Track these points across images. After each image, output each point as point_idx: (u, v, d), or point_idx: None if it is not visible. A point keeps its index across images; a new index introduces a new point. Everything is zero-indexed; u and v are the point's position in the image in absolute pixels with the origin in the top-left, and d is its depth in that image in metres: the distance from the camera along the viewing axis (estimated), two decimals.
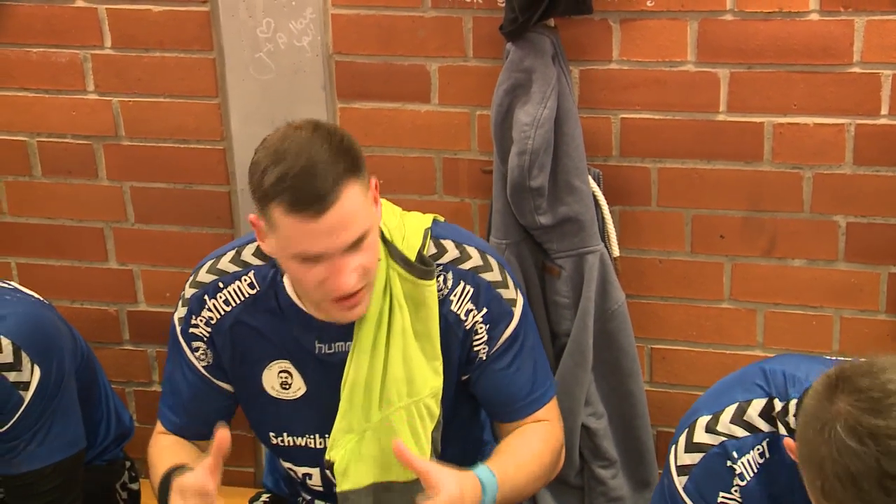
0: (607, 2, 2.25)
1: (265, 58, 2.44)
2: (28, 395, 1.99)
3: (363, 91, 2.43)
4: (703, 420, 1.63)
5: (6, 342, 1.97)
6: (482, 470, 1.75)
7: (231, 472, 2.72)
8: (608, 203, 2.34)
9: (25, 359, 1.99)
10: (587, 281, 2.31)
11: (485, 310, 1.84)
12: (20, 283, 2.27)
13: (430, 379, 1.83)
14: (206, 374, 1.92)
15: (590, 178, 2.31)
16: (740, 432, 1.60)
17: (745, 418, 1.60)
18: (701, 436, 1.62)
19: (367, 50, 2.40)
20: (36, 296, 2.18)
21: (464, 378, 1.92)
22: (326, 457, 1.85)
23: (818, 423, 1.33)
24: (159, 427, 2.00)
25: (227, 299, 1.87)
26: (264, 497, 2.12)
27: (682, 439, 1.64)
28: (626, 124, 2.34)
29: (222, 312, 1.87)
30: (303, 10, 2.39)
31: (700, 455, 1.61)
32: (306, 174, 1.60)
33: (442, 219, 1.94)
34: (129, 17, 2.48)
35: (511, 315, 1.86)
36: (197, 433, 1.97)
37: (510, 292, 1.87)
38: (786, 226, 2.33)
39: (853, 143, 2.24)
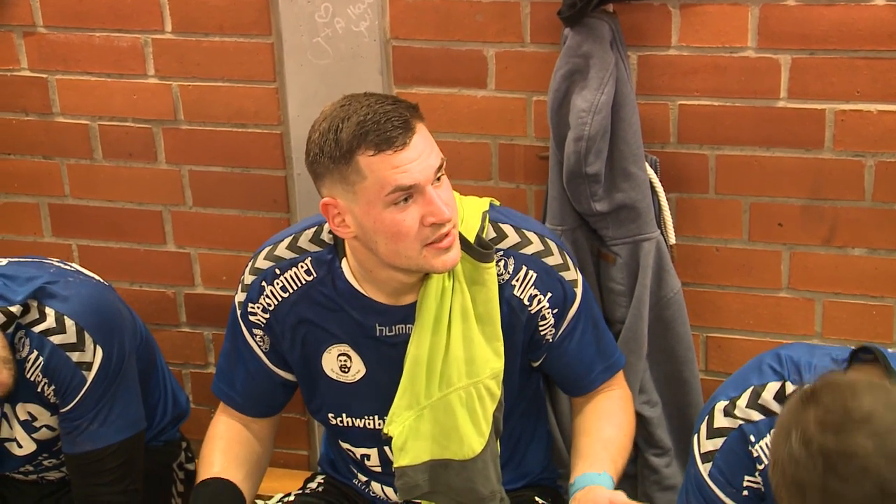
0: None
1: (323, 42, 2.45)
2: (91, 376, 2.03)
3: (420, 76, 2.43)
4: (722, 405, 1.66)
5: (70, 323, 2.01)
6: (606, 480, 1.82)
7: (285, 454, 2.78)
8: (665, 190, 2.32)
9: (88, 339, 2.02)
10: (643, 268, 2.30)
11: (549, 294, 1.87)
12: (81, 265, 2.30)
13: (490, 360, 1.85)
14: (264, 358, 1.95)
15: (647, 164, 2.29)
16: (756, 416, 1.62)
17: (759, 402, 1.62)
18: (720, 420, 1.64)
19: (425, 35, 2.40)
20: (97, 278, 2.21)
21: (532, 361, 1.94)
22: (384, 430, 1.88)
23: (783, 425, 1.37)
24: (221, 405, 2.04)
25: (284, 286, 1.89)
26: (319, 479, 2.14)
27: (704, 426, 1.67)
28: (684, 111, 2.32)
29: (279, 299, 1.90)
30: None
31: (721, 440, 1.64)
32: (381, 116, 1.69)
33: (498, 203, 1.95)
34: (189, 1, 2.50)
35: (574, 296, 1.91)
36: (256, 412, 2.01)
37: (571, 273, 1.90)
38: (846, 214, 2.30)
39: None
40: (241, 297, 1.94)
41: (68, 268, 2.18)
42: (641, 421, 2.37)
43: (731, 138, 2.31)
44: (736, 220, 2.36)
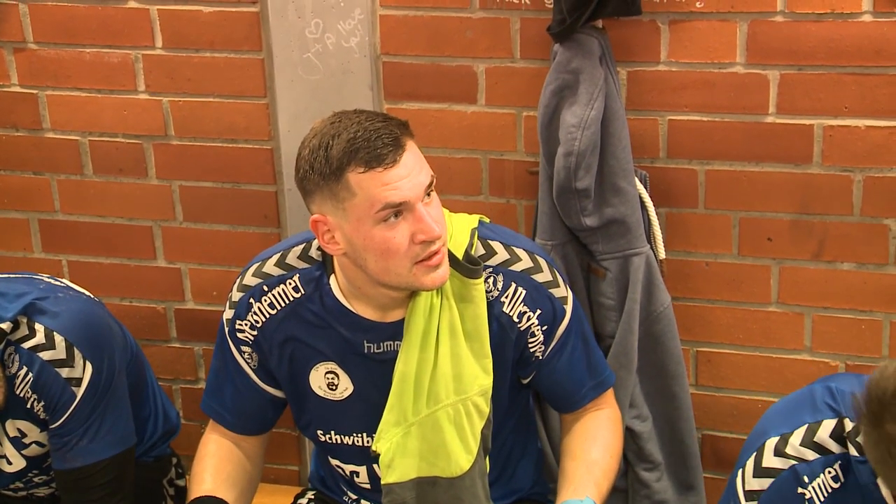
0: (656, 3, 2.24)
1: (313, 58, 2.45)
2: (80, 391, 2.02)
3: (410, 91, 2.43)
4: (772, 442, 1.59)
5: (59, 339, 2.00)
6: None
7: (276, 469, 2.77)
8: (654, 205, 2.33)
9: (78, 355, 2.02)
10: (632, 283, 2.30)
11: (539, 311, 1.86)
12: (71, 281, 2.30)
13: (479, 377, 1.84)
14: (252, 375, 1.95)
15: (636, 179, 2.30)
16: (811, 455, 1.56)
17: (815, 440, 1.56)
18: (770, 460, 1.58)
19: (415, 51, 2.41)
20: (87, 293, 2.21)
21: (522, 378, 1.94)
22: (372, 447, 1.88)
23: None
24: (211, 423, 2.03)
25: (272, 302, 1.89)
26: (310, 494, 2.13)
27: (751, 463, 1.60)
28: (673, 126, 2.33)
29: (267, 315, 1.89)
30: (351, 10, 2.40)
31: (770, 480, 1.57)
32: (372, 133, 1.70)
33: (487, 220, 1.95)
34: (179, 17, 2.51)
35: (564, 313, 1.91)
36: (245, 429, 2.00)
37: (561, 290, 1.90)
38: (835, 229, 2.30)
39: None
40: (228, 314, 1.94)
41: (58, 283, 2.18)
42: (632, 435, 2.37)
43: (721, 153, 2.32)
44: (725, 235, 2.37)
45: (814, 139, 2.26)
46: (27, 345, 2.00)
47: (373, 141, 1.68)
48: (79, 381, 2.02)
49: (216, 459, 1.98)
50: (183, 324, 2.75)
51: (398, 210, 1.71)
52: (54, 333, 2.01)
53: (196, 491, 1.95)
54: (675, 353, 2.36)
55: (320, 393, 1.91)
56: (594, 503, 1.83)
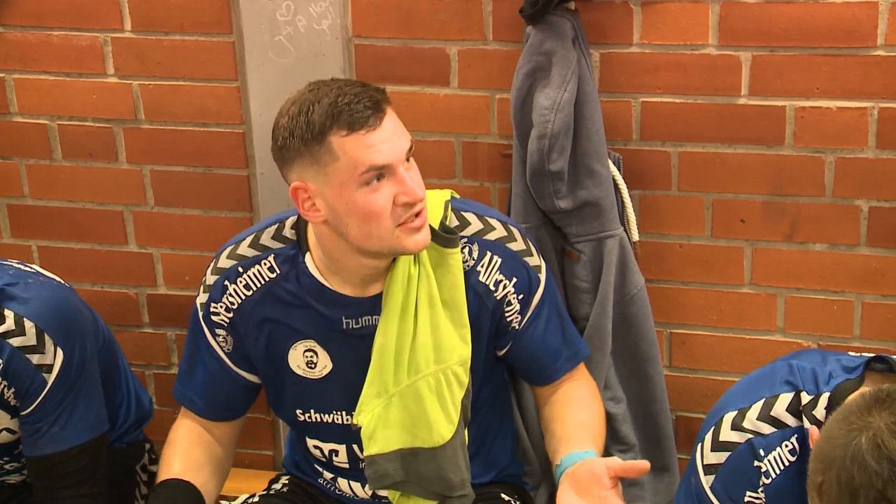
0: None
1: (285, 41, 2.43)
2: (51, 378, 2.00)
3: (382, 74, 2.42)
4: (730, 417, 1.61)
5: (29, 325, 1.99)
6: (594, 457, 1.80)
7: (250, 454, 2.77)
8: (628, 187, 2.33)
9: (49, 341, 2.00)
10: (606, 265, 2.31)
11: (515, 279, 1.88)
12: (41, 266, 2.28)
13: (457, 347, 1.85)
14: (226, 360, 1.94)
15: (610, 162, 2.30)
16: (767, 429, 1.58)
17: (772, 414, 1.58)
18: (727, 434, 1.60)
19: (387, 33, 2.40)
20: (57, 279, 2.19)
21: (497, 350, 1.94)
22: (353, 421, 1.88)
23: (848, 425, 1.32)
24: (183, 410, 2.02)
25: (247, 283, 1.88)
26: (284, 479, 2.13)
27: (709, 437, 1.62)
28: (646, 108, 2.33)
29: (243, 297, 1.89)
30: None
31: (727, 454, 1.59)
32: (352, 97, 1.70)
33: (458, 195, 1.96)
34: (148, 0, 2.48)
35: (539, 281, 1.92)
36: (217, 416, 2.00)
37: (535, 259, 1.92)
38: (807, 210, 2.32)
39: (876, 127, 2.23)
40: (202, 298, 1.93)
41: (28, 269, 2.15)
42: (607, 417, 2.38)
43: (694, 135, 2.32)
44: (698, 217, 2.38)
45: (786, 120, 2.27)
46: None
47: (355, 104, 1.69)
48: (50, 368, 2.00)
49: (185, 444, 1.98)
50: (155, 309, 2.74)
51: (381, 173, 1.72)
52: (24, 319, 1.99)
53: (164, 474, 1.94)
54: (648, 335, 2.37)
55: (299, 372, 1.91)
56: (598, 456, 1.83)
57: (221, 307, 1.90)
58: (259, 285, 1.88)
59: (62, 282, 2.20)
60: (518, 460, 2.18)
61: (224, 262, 1.91)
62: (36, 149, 2.65)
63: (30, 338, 1.98)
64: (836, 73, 2.21)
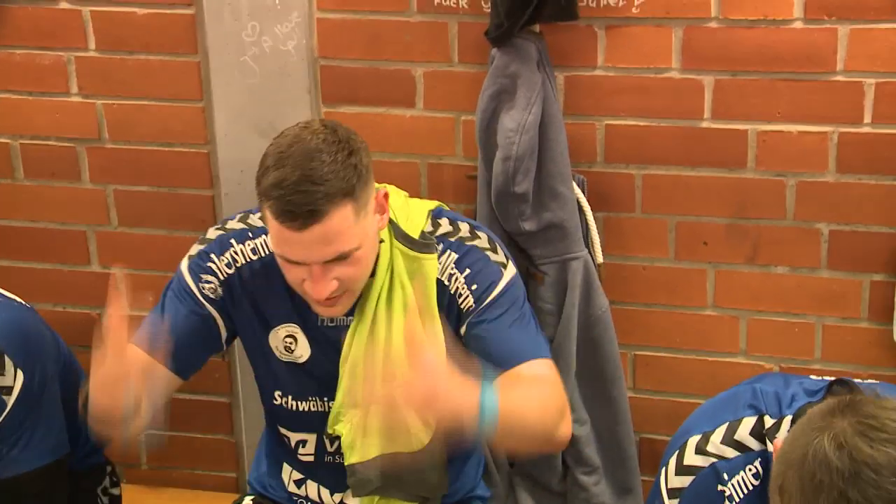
0: (592, 8, 2.25)
1: (250, 61, 2.43)
2: (11, 400, 1.98)
3: (348, 95, 2.42)
4: (694, 441, 1.60)
5: None
6: (487, 390, 1.61)
7: (213, 476, 2.75)
8: (592, 209, 2.34)
9: (9, 363, 1.98)
10: (571, 287, 2.32)
11: (468, 270, 1.85)
12: (2, 287, 2.25)
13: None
14: (204, 301, 1.89)
15: (574, 184, 2.31)
16: (731, 453, 1.57)
17: (735, 438, 1.57)
18: (691, 458, 1.60)
19: (353, 54, 2.40)
20: (19, 300, 2.16)
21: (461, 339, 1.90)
22: (330, 430, 1.89)
23: (811, 427, 1.32)
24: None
25: (254, 248, 1.90)
26: (248, 500, 2.11)
27: (673, 461, 1.62)
28: (610, 131, 2.34)
29: (248, 259, 1.90)
30: (288, 13, 2.39)
31: (690, 478, 1.59)
32: (299, 187, 1.65)
33: (446, 207, 1.97)
34: (113, 19, 2.48)
35: (500, 274, 1.86)
36: (167, 357, 1.85)
37: (499, 256, 1.88)
38: (769, 233, 2.34)
39: (836, 151, 2.25)
40: (196, 249, 1.91)
41: None
42: (570, 440, 2.38)
43: (657, 158, 2.34)
44: (662, 239, 2.39)
45: (748, 144, 2.29)
46: None
47: (294, 197, 1.65)
48: (10, 390, 1.98)
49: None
50: None
51: (296, 262, 1.73)
52: None
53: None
54: (612, 356, 2.38)
55: (277, 354, 1.92)
56: (493, 394, 1.61)
57: (222, 261, 1.89)
58: (264, 254, 1.88)
59: (23, 302, 2.17)
60: (484, 483, 2.18)
61: (233, 224, 1.92)
62: None
63: None
64: (797, 97, 2.23)
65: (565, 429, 1.82)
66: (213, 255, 1.90)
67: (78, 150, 2.59)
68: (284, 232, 1.68)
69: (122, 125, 2.55)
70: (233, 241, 1.90)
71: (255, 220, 1.91)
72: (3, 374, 1.97)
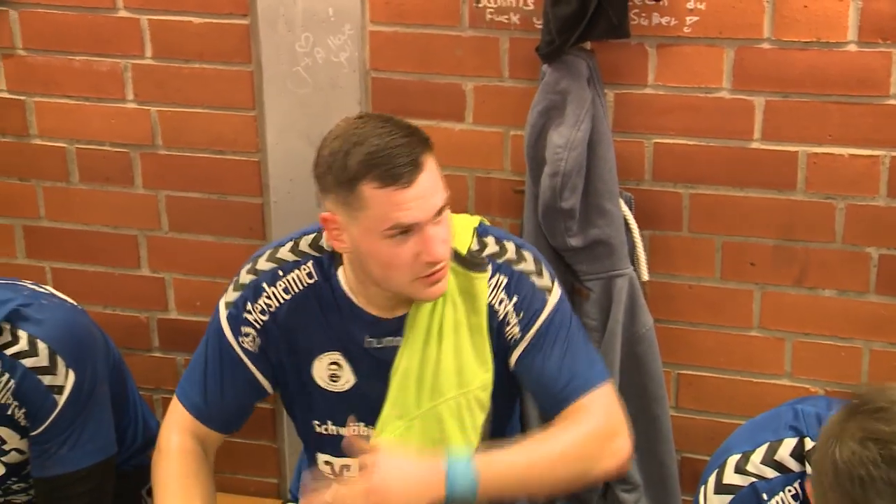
0: (644, 26, 2.26)
1: (302, 72, 2.46)
2: (62, 399, 2.01)
3: (398, 107, 2.44)
4: (734, 460, 1.61)
5: (42, 346, 2.00)
6: (457, 460, 1.69)
7: (255, 482, 2.77)
8: (639, 227, 2.34)
9: (60, 363, 2.01)
10: (615, 304, 2.31)
11: (515, 297, 1.86)
12: (54, 288, 2.29)
13: (479, 372, 1.85)
14: (247, 361, 1.92)
15: (621, 201, 2.31)
16: (770, 473, 1.57)
17: (776, 458, 1.58)
18: (731, 476, 1.60)
19: (404, 67, 2.42)
20: (70, 301, 2.20)
21: (511, 370, 1.91)
22: (373, 441, 1.87)
23: (826, 438, 1.35)
24: (175, 419, 1.95)
25: (286, 287, 1.90)
26: None
27: (712, 479, 1.62)
28: (659, 149, 2.34)
29: (281, 301, 1.89)
30: (341, 25, 2.41)
31: (729, 497, 1.58)
32: (392, 149, 1.69)
33: (488, 222, 1.97)
34: (170, 27, 2.52)
35: (544, 302, 1.87)
36: (216, 423, 1.95)
37: (544, 281, 1.89)
38: (817, 255, 2.32)
39: (888, 175, 2.24)
40: (231, 296, 1.91)
41: (42, 290, 2.17)
42: None
43: (705, 177, 2.33)
44: (709, 259, 2.39)
45: (798, 166, 2.28)
46: (10, 351, 1.99)
47: (392, 158, 1.69)
48: (61, 389, 2.01)
49: (178, 483, 1.88)
50: (165, 334, 2.75)
51: (407, 229, 1.72)
52: (37, 340, 2.00)
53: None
54: (656, 374, 2.37)
55: (321, 384, 1.91)
56: (467, 461, 1.69)
57: (257, 308, 1.90)
58: (298, 290, 1.89)
59: (75, 304, 2.21)
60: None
61: (263, 265, 1.91)
62: (53, 171, 2.68)
63: (42, 359, 2.00)
64: (849, 120, 2.22)
65: (615, 453, 1.84)
66: (248, 304, 1.90)
67: (132, 155, 2.63)
68: (395, 196, 1.69)
69: (175, 132, 2.59)
70: (264, 284, 1.90)
71: (284, 253, 1.90)
72: (54, 374, 2.01)
